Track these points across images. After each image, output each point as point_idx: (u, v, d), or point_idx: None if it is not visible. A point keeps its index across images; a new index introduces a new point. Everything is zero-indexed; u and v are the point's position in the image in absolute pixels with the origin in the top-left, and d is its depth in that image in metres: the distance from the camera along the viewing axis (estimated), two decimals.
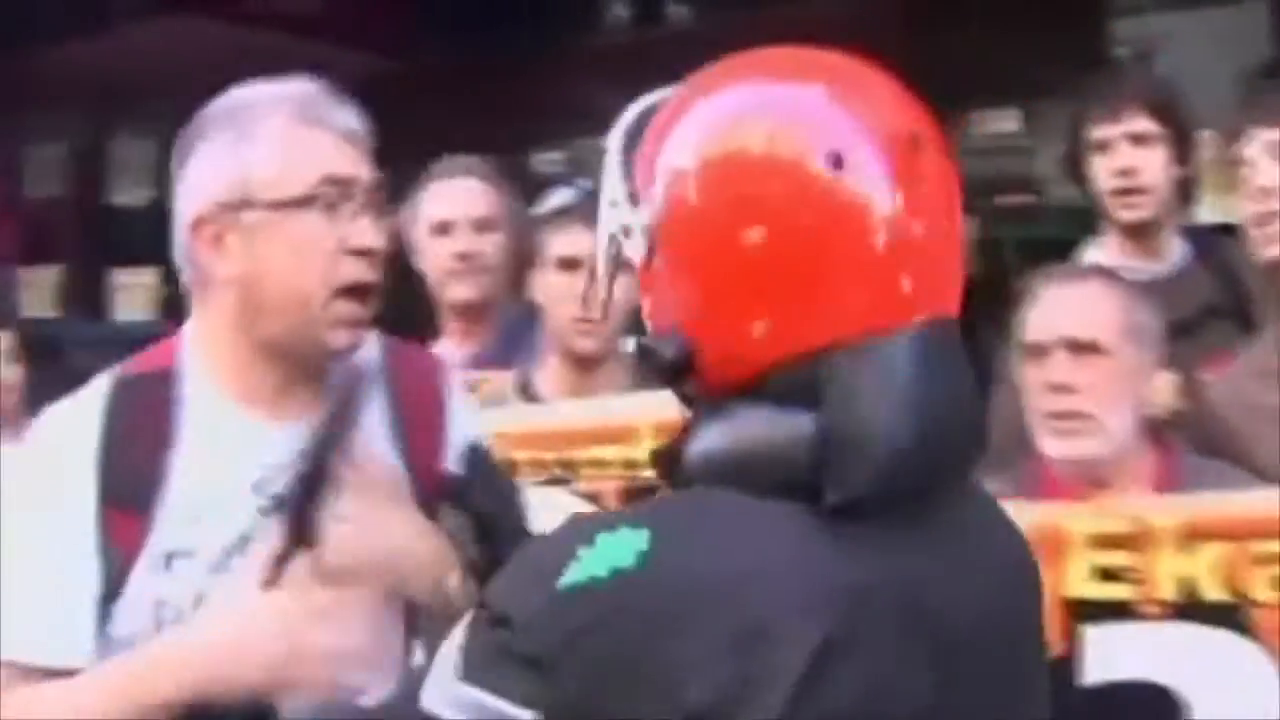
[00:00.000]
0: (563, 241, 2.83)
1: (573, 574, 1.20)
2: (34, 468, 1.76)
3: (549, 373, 2.94)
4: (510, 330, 3.30)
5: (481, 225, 3.24)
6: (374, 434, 1.81)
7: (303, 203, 1.71)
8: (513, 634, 1.21)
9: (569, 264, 2.82)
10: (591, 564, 1.20)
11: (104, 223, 8.10)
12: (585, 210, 2.19)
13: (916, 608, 1.24)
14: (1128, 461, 2.39)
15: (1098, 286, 2.45)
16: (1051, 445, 2.38)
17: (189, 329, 1.81)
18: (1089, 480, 2.38)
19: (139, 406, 1.75)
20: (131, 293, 7.20)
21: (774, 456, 1.25)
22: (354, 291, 1.74)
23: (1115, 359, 2.36)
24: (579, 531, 1.24)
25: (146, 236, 6.80)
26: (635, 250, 1.30)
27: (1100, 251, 3.09)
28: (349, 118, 1.76)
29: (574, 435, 2.60)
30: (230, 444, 1.74)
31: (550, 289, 2.87)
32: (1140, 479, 2.39)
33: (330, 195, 1.72)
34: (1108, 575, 2.17)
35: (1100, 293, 2.43)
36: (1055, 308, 2.41)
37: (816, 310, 1.24)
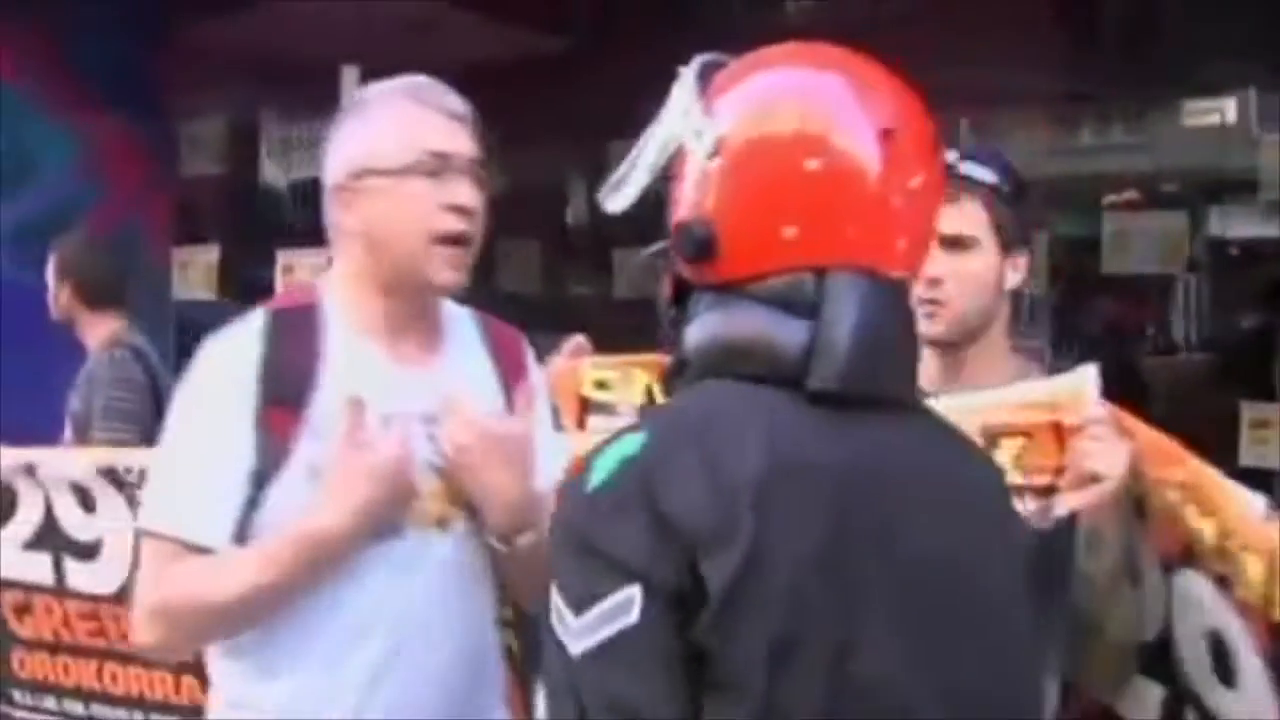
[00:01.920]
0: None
1: (594, 479, 1.57)
2: (203, 378, 2.24)
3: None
4: None
5: None
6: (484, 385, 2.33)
7: (410, 171, 2.21)
8: (571, 544, 1.57)
9: (950, 242, 2.53)
10: (604, 465, 1.57)
11: (265, 201, 7.96)
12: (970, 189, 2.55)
13: (860, 482, 1.59)
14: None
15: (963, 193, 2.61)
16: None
17: (329, 274, 2.33)
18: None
19: (291, 332, 2.23)
20: (296, 276, 7.00)
21: (770, 346, 1.61)
22: (451, 241, 2.22)
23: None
24: (590, 455, 1.61)
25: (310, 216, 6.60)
26: (701, 149, 1.66)
27: None
28: (454, 101, 2.27)
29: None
30: (359, 368, 2.22)
31: None
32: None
33: (432, 164, 2.21)
34: None
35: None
36: None
37: (836, 235, 1.63)
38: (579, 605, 1.54)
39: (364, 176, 2.23)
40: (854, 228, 1.63)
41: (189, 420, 2.26)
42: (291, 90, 7.16)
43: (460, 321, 2.37)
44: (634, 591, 1.51)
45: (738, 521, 1.52)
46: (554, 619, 1.57)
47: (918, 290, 2.54)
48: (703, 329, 1.66)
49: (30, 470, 3.58)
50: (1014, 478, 2.15)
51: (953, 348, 2.63)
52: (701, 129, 1.66)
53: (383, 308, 2.27)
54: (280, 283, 6.86)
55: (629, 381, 3.01)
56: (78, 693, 3.61)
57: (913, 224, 1.68)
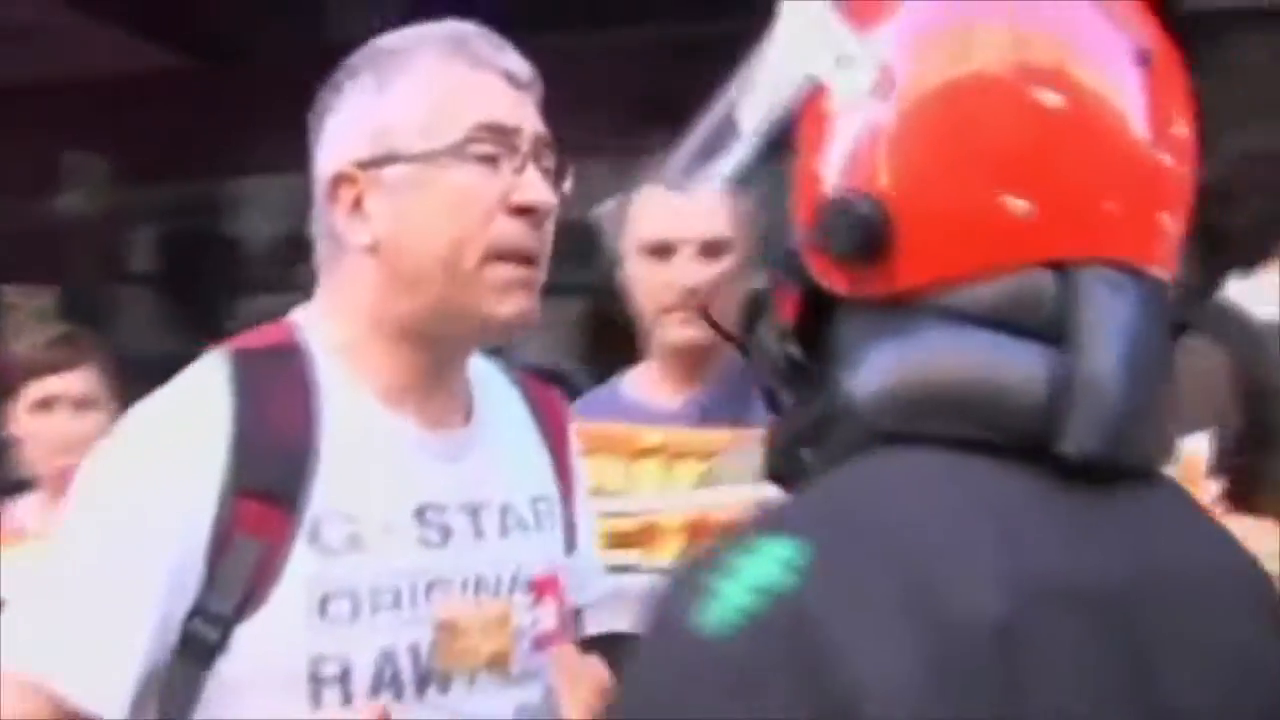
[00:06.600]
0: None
1: (715, 614, 0.96)
2: (138, 454, 1.51)
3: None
4: (733, 373, 2.59)
5: (712, 250, 2.50)
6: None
7: (454, 153, 1.55)
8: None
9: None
10: (731, 593, 0.96)
11: None
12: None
13: (1118, 604, 1.02)
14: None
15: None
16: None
17: (309, 310, 1.62)
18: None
19: (268, 388, 1.53)
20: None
21: (997, 391, 1.03)
22: (515, 256, 1.55)
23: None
24: (700, 563, 1.01)
25: None
26: (851, 85, 1.08)
27: None
28: (514, 61, 1.61)
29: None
30: (377, 446, 1.55)
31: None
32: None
33: (488, 146, 1.56)
34: None
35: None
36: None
37: (1091, 211, 1.05)
38: None
39: (381, 164, 1.56)
40: (1115, 199, 1.06)
41: (106, 519, 1.50)
42: None
43: (488, 376, 1.72)
44: None
45: (975, 695, 0.96)
46: None
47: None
48: (880, 369, 1.08)
49: None
50: None
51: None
52: (851, 55, 1.10)
53: (404, 358, 1.59)
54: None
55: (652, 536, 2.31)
56: None
57: (1181, 192, 1.11)
